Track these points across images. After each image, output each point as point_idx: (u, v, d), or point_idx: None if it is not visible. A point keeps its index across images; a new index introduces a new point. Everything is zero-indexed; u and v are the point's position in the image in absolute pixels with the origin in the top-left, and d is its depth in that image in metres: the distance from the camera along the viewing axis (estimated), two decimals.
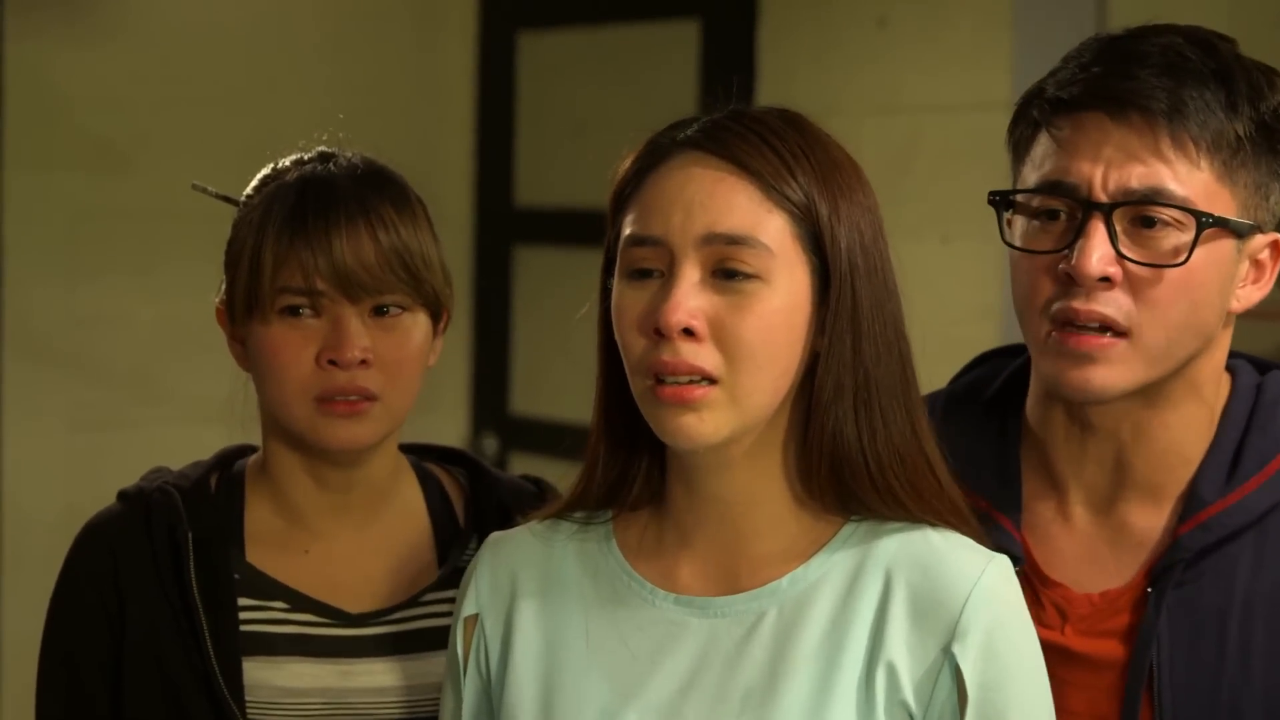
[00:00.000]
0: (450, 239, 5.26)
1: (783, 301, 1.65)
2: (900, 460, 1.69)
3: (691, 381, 1.64)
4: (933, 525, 1.70)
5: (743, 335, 1.64)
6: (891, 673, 1.64)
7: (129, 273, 4.53)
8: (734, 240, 1.64)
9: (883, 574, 1.67)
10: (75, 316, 4.48)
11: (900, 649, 1.65)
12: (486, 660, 1.78)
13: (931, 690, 1.64)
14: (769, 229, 1.65)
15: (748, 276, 1.64)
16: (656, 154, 1.71)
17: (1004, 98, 3.97)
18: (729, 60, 4.65)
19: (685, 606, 1.71)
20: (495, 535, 1.83)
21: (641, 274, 1.67)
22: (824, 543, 1.71)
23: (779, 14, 4.59)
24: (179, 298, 4.47)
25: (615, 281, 1.70)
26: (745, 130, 1.68)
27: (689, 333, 1.63)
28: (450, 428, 5.05)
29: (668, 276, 1.65)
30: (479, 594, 1.80)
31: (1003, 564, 1.68)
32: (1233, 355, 1.93)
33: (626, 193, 1.72)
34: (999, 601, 1.66)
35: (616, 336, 1.69)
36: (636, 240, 1.68)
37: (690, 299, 1.64)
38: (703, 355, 1.64)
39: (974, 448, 1.95)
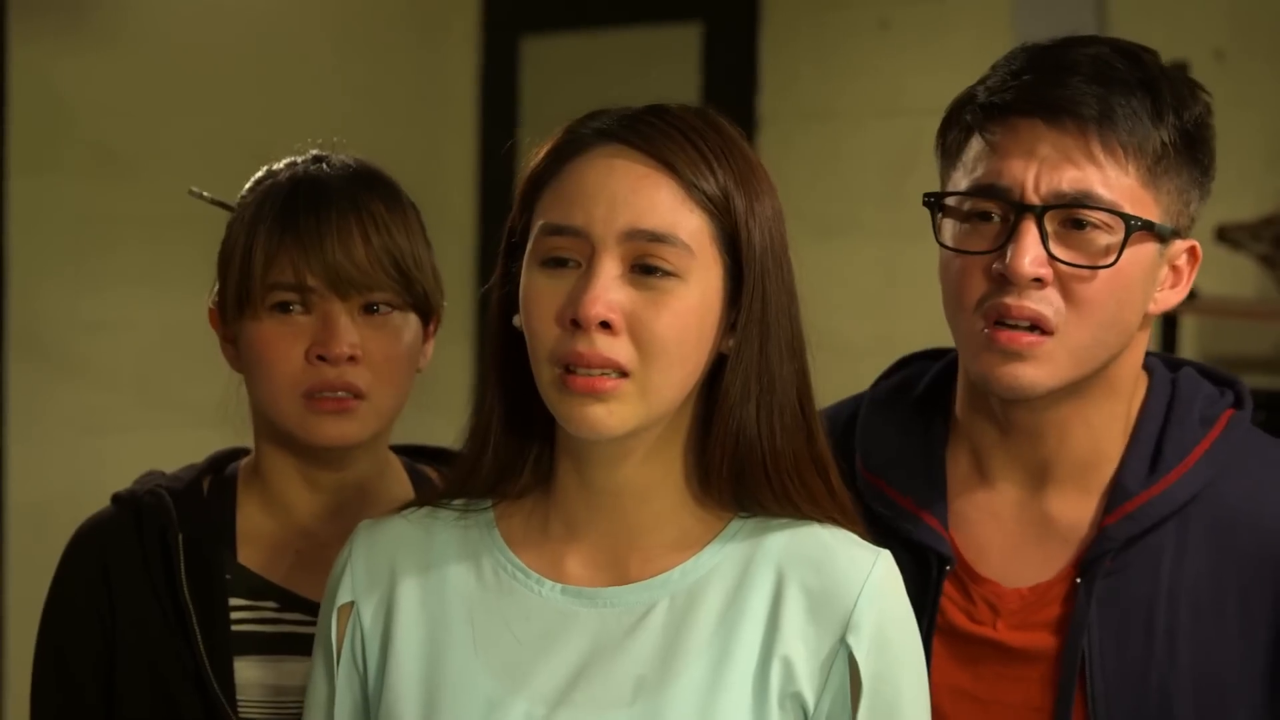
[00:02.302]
0: (454, 242, 5.28)
1: (697, 300, 1.66)
2: (795, 463, 1.71)
3: (603, 373, 1.65)
4: (819, 522, 1.72)
5: (658, 331, 1.65)
6: (786, 665, 1.67)
7: (133, 277, 4.54)
8: (656, 237, 1.65)
9: (774, 569, 1.70)
10: (80, 321, 4.50)
11: (795, 642, 1.67)
12: (363, 650, 1.76)
13: (825, 680, 1.67)
14: (689, 227, 1.66)
15: (666, 274, 1.65)
16: (576, 143, 1.70)
17: None
18: (731, 64, 4.66)
19: (573, 597, 1.71)
20: (368, 522, 1.81)
21: (557, 263, 1.67)
22: (713, 536, 1.72)
23: (781, 17, 4.60)
24: (183, 302, 4.48)
25: (526, 268, 1.70)
26: (668, 127, 1.68)
27: (606, 326, 1.64)
28: (454, 428, 5.06)
29: (586, 268, 1.65)
30: (354, 582, 1.77)
31: (888, 559, 1.71)
32: (1146, 355, 1.98)
33: (542, 180, 1.71)
34: (888, 595, 1.69)
35: (524, 323, 1.69)
36: (555, 229, 1.67)
37: (609, 292, 1.64)
38: (617, 349, 1.64)
39: (899, 448, 1.98)
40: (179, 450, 2.17)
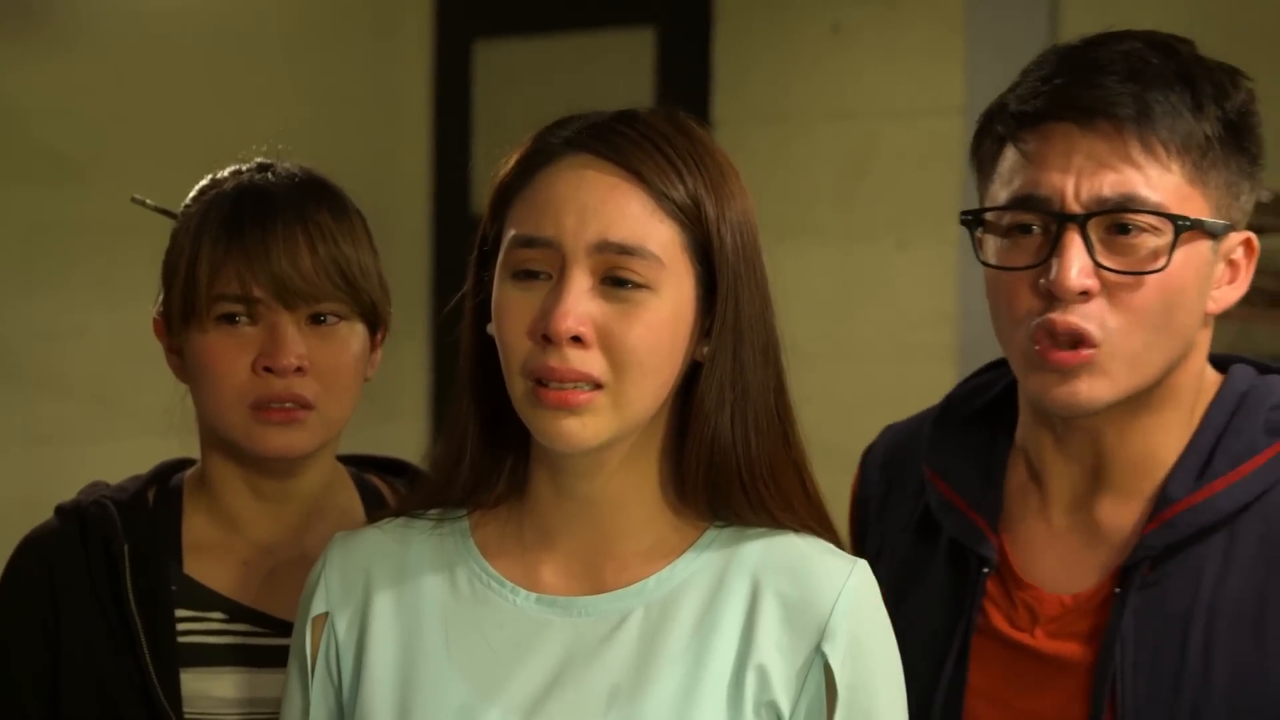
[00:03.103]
0: (408, 249, 5.26)
1: (669, 311, 1.66)
2: (771, 468, 1.71)
3: (576, 386, 1.64)
4: (795, 531, 1.72)
5: (629, 343, 1.64)
6: (761, 674, 1.67)
7: (87, 285, 4.52)
8: (625, 250, 1.64)
9: (749, 577, 1.69)
10: (32, 330, 4.47)
11: (770, 650, 1.67)
12: (338, 661, 1.76)
13: (800, 689, 1.67)
14: (659, 238, 1.66)
15: (637, 285, 1.65)
16: (546, 153, 1.70)
17: (958, 102, 3.99)
18: (685, 68, 4.66)
19: (547, 606, 1.71)
20: (343, 534, 1.81)
21: (528, 275, 1.67)
22: (689, 545, 1.72)
23: (734, 21, 4.61)
24: (137, 310, 4.44)
25: (497, 280, 1.69)
26: (639, 136, 1.68)
27: (577, 339, 1.64)
28: (411, 437, 5.04)
29: (557, 281, 1.65)
30: (328, 592, 1.77)
31: (864, 568, 1.71)
32: (1237, 359, 1.92)
33: (513, 189, 1.71)
34: (865, 604, 1.69)
35: (496, 336, 1.69)
36: (526, 241, 1.67)
37: (580, 305, 1.64)
38: (590, 362, 1.64)
39: (962, 449, 1.95)
40: (136, 460, 2.16)
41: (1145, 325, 1.78)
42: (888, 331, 4.09)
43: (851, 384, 3.78)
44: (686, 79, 4.62)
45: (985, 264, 1.85)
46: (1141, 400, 1.83)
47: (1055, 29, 3.90)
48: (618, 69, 4.79)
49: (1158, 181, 1.77)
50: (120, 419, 4.49)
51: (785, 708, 1.67)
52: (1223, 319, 1.88)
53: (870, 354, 4.17)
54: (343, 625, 1.76)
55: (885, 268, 4.13)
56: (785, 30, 4.50)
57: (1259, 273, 2.78)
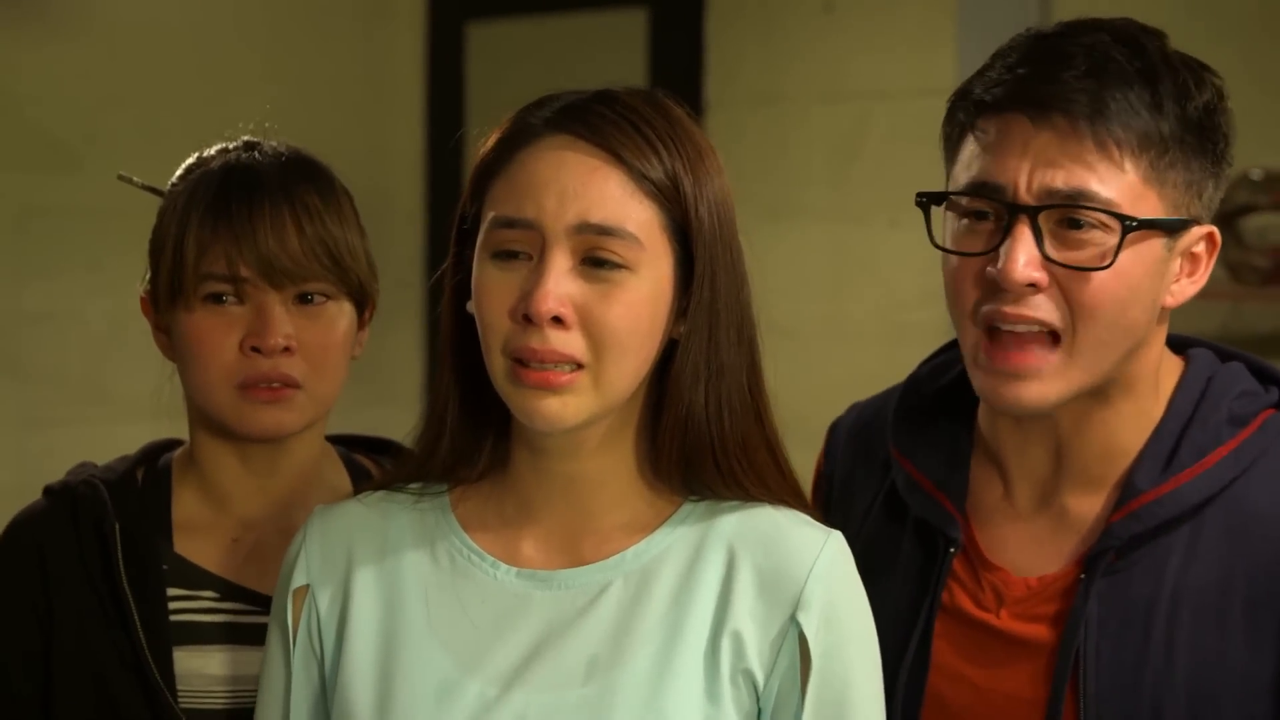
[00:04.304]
0: (401, 232, 5.26)
1: (648, 291, 1.68)
2: (744, 446, 1.73)
3: (556, 367, 1.66)
4: (770, 504, 1.74)
5: (610, 323, 1.66)
6: (737, 642, 1.69)
7: (79, 270, 4.52)
8: (604, 231, 1.66)
9: (725, 548, 1.72)
10: (25, 315, 4.47)
11: (745, 619, 1.69)
12: (320, 633, 1.78)
13: (775, 657, 1.69)
14: (638, 219, 1.67)
15: (616, 266, 1.67)
16: (525, 133, 1.71)
17: (950, 83, 3.98)
18: (677, 49, 4.66)
19: (527, 580, 1.73)
20: (323, 507, 1.83)
21: (509, 255, 1.69)
22: (664, 519, 1.74)
23: (726, 2, 4.61)
24: (129, 295, 4.45)
25: (477, 260, 1.71)
26: (617, 117, 1.69)
27: (558, 320, 1.65)
28: (405, 421, 5.04)
29: (538, 262, 1.67)
30: (309, 565, 1.79)
31: (839, 539, 1.73)
32: (1196, 343, 1.93)
33: (493, 169, 1.72)
34: (839, 574, 1.71)
35: (477, 314, 1.71)
36: (506, 222, 1.68)
37: (560, 287, 1.65)
38: (570, 343, 1.66)
39: (927, 431, 1.96)
40: (130, 445, 2.16)
41: (1099, 322, 1.79)
42: (880, 311, 4.10)
43: (843, 364, 3.79)
44: (678, 60, 4.63)
45: (939, 247, 1.86)
46: (1097, 393, 1.84)
47: (1046, 8, 3.91)
48: (610, 50, 4.79)
49: (1110, 179, 1.77)
50: (112, 403, 4.49)
51: (760, 676, 1.69)
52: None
53: (862, 334, 4.17)
54: (324, 598, 1.78)
55: (877, 248, 4.13)
56: (777, 10, 4.51)
57: (1251, 250, 2.77)
